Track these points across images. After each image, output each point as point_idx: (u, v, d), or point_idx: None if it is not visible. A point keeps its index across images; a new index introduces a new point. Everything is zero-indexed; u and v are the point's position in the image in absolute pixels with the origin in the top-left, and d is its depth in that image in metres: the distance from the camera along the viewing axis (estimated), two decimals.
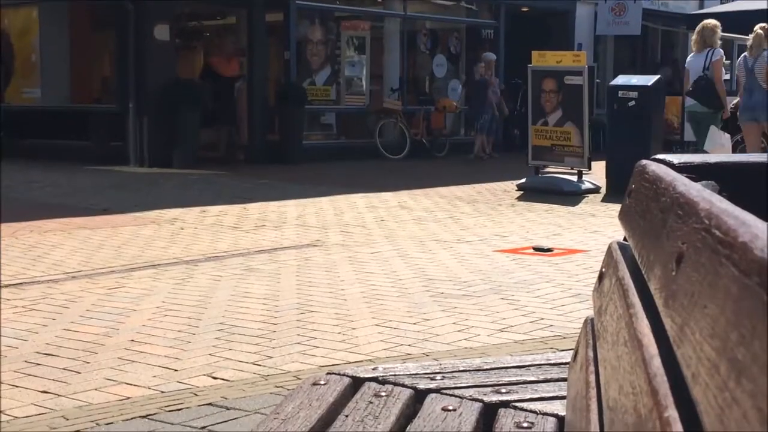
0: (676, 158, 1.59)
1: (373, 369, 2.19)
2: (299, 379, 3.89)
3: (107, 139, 15.56)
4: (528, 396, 1.97)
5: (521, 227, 8.90)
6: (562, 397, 1.92)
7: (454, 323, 5.09)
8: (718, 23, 11.21)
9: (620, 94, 11.74)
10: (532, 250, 7.49)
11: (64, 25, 17.08)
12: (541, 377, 2.10)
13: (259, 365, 4.29)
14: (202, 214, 9.55)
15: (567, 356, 2.15)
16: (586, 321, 1.82)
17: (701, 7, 23.48)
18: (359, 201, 10.75)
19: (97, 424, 3.48)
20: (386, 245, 7.75)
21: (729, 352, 0.68)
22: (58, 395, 3.86)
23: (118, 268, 6.73)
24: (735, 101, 10.98)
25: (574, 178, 11.87)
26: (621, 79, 12.36)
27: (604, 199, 11.04)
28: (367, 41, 18.21)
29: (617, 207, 1.82)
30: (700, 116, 11.03)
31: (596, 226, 8.98)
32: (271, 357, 4.42)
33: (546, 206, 10.43)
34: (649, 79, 12.05)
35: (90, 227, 8.62)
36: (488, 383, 2.07)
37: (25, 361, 4.33)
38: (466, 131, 19.56)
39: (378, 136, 17.00)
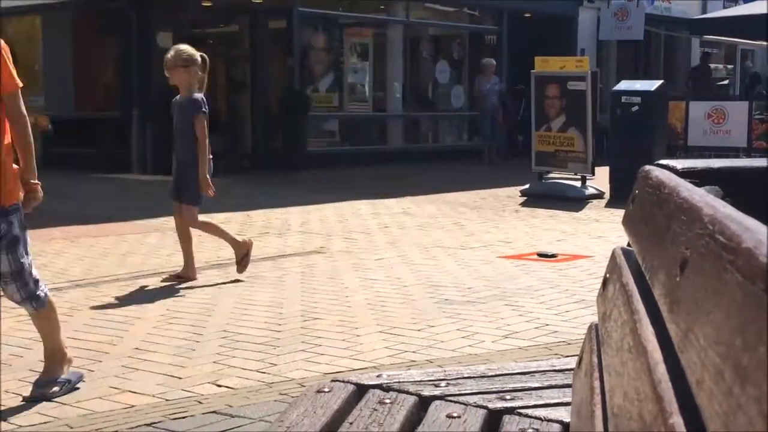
0: (679, 164, 1.58)
1: (378, 376, 2.19)
2: (303, 386, 3.88)
3: (111, 146, 15.59)
4: (533, 402, 1.97)
5: (525, 233, 8.89)
6: (567, 404, 1.92)
7: (458, 330, 5.08)
8: None
9: (623, 99, 11.73)
10: (536, 256, 7.49)
11: (68, 34, 17.11)
12: (546, 384, 2.10)
13: (264, 373, 4.28)
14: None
15: (572, 362, 2.15)
16: (590, 327, 1.82)
17: (704, 11, 23.48)
18: (363, 208, 10.75)
19: None
20: (390, 252, 7.75)
21: (734, 358, 0.68)
22: (63, 404, 3.86)
23: (123, 276, 6.73)
24: None
25: (578, 184, 11.86)
26: (624, 85, 12.36)
27: (608, 205, 11.02)
28: (370, 48, 18.23)
29: (621, 212, 1.82)
30: None
31: (600, 232, 8.97)
32: (276, 364, 4.42)
33: (550, 212, 10.42)
34: (653, 85, 12.04)
35: (94, 235, 8.62)
36: (493, 390, 2.06)
37: (30, 370, 4.33)
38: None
39: None
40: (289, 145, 15.89)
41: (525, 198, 11.68)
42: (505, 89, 18.35)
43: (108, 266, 7.09)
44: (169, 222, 9.48)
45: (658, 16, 22.82)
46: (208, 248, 7.96)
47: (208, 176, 6.51)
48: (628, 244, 1.64)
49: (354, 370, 4.24)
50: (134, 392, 4.01)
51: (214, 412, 3.69)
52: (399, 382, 2.12)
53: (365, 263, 7.22)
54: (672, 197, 1.19)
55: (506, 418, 1.90)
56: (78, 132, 16.13)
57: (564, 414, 1.88)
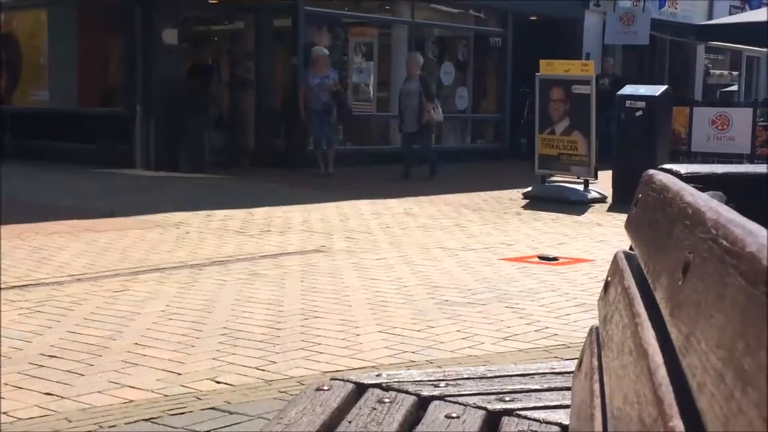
0: (683, 168, 1.58)
1: (377, 375, 2.19)
2: (303, 384, 3.88)
3: (114, 142, 15.59)
4: (532, 404, 1.97)
5: (527, 236, 8.89)
6: (566, 406, 1.92)
7: (458, 331, 5.08)
8: None
9: (628, 103, 11.73)
10: (537, 259, 7.48)
11: (73, 28, 17.12)
12: (545, 386, 2.10)
13: (263, 370, 4.28)
14: (207, 219, 9.55)
15: (571, 365, 2.15)
16: (591, 330, 1.82)
17: (710, 17, 23.47)
18: (365, 207, 10.75)
19: (100, 426, 3.48)
20: (391, 252, 7.75)
21: (735, 361, 0.68)
22: (62, 397, 3.86)
23: (123, 271, 6.73)
24: None
25: (581, 188, 11.86)
26: (629, 89, 12.34)
27: (611, 209, 11.02)
28: (374, 48, 18.23)
29: (623, 216, 1.82)
30: None
31: (602, 236, 8.96)
32: (275, 362, 4.42)
33: (552, 215, 10.42)
34: (657, 89, 12.04)
35: (96, 230, 8.63)
36: (492, 391, 2.06)
37: (29, 363, 4.34)
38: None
39: None
40: (292, 143, 15.88)
41: (527, 201, 11.68)
42: (339, 85, 15.35)
43: (109, 261, 7.10)
44: (171, 218, 9.50)
45: (664, 21, 22.81)
46: (209, 244, 7.97)
47: None
48: (631, 248, 1.64)
49: (353, 369, 4.24)
50: (133, 387, 4.01)
51: (212, 408, 3.69)
52: (398, 381, 2.12)
53: (366, 263, 7.22)
54: (675, 201, 1.19)
55: (505, 419, 1.90)
56: (81, 127, 16.14)
57: (563, 416, 1.88)
